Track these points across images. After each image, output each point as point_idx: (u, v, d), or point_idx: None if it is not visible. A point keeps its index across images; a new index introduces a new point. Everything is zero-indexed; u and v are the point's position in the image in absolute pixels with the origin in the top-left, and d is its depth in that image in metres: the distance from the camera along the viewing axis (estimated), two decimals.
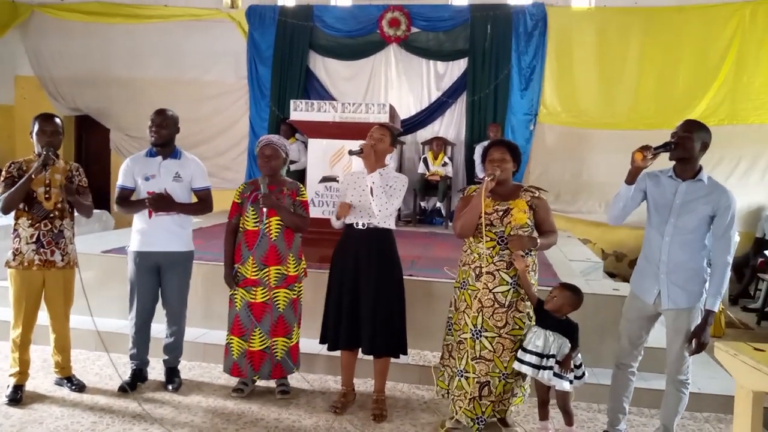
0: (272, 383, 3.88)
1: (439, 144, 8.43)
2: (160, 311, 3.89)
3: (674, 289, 3.05)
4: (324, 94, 8.98)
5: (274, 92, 9.09)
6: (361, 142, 3.52)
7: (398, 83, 8.99)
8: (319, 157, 5.95)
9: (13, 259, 3.55)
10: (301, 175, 7.21)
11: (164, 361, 3.94)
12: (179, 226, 3.80)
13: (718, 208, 2.97)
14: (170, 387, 3.85)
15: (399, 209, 5.55)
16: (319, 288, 3.75)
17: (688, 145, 2.99)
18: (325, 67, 9.16)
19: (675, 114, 7.19)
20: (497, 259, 3.19)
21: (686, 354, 3.06)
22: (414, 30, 8.82)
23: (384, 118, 5.66)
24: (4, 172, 3.54)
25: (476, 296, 3.19)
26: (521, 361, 3.12)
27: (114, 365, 3.76)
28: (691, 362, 3.11)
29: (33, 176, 3.44)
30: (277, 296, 3.67)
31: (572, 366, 3.14)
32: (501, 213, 3.20)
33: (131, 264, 3.81)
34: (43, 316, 3.69)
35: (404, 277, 3.64)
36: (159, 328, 3.94)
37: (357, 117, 5.77)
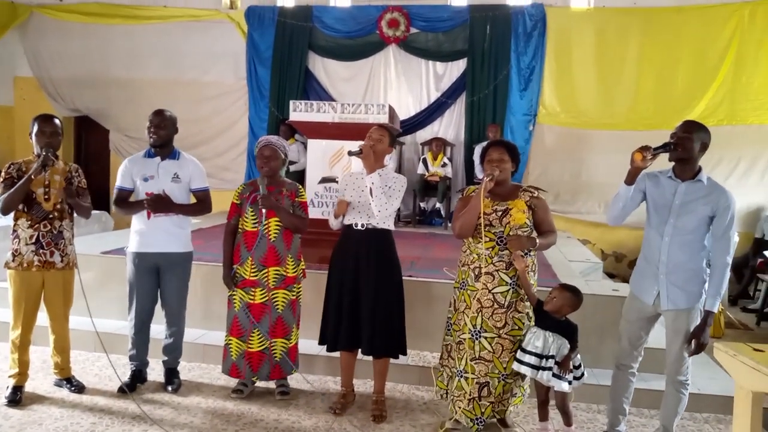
0: (272, 384, 3.88)
1: (438, 145, 8.43)
2: (159, 312, 3.89)
3: (673, 290, 3.05)
4: (323, 95, 8.98)
5: (273, 93, 9.09)
6: (361, 142, 3.52)
7: (397, 84, 8.99)
8: (319, 157, 5.95)
9: (13, 260, 3.55)
10: (300, 176, 7.20)
11: (164, 362, 3.94)
12: (178, 227, 3.80)
13: (717, 209, 2.97)
14: (170, 388, 3.85)
15: (398, 210, 5.53)
16: (318, 289, 3.75)
17: (687, 145, 2.99)
18: (324, 68, 9.16)
19: (674, 114, 7.20)
20: (496, 259, 3.18)
21: (686, 355, 3.06)
22: (413, 30, 8.82)
23: (383, 118, 5.66)
24: (3, 173, 3.54)
25: (476, 296, 3.19)
26: (520, 362, 3.12)
27: (113, 366, 3.76)
28: (690, 363, 3.11)
29: (32, 177, 3.44)
30: (276, 297, 3.66)
31: (571, 367, 3.14)
32: (500, 213, 3.20)
33: (130, 265, 3.81)
34: (43, 317, 3.69)
35: (404, 277, 3.64)
36: (158, 329, 3.94)
37: (356, 118, 5.77)
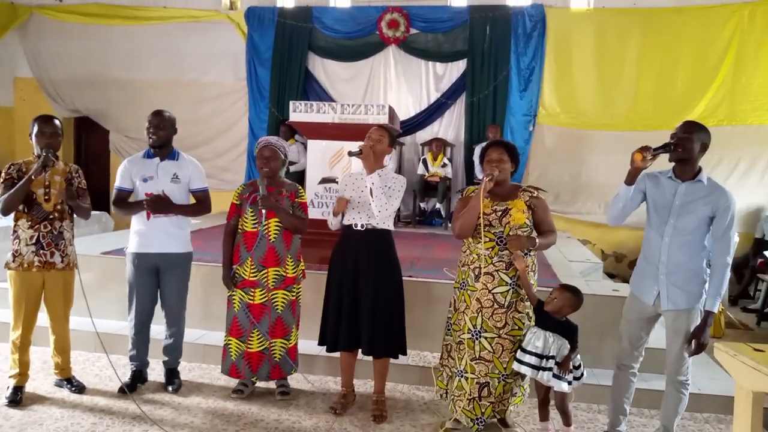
0: (272, 384, 3.88)
1: (438, 145, 8.43)
2: (159, 312, 3.89)
3: (674, 290, 3.05)
4: (323, 96, 8.98)
5: (273, 93, 9.09)
6: (361, 143, 3.52)
7: (397, 84, 8.99)
8: (319, 158, 5.95)
9: (13, 261, 3.55)
10: (300, 177, 7.20)
11: (164, 362, 3.94)
12: (177, 228, 3.80)
13: (717, 209, 2.98)
14: (170, 388, 3.85)
15: (398, 210, 5.51)
16: (318, 289, 3.75)
17: (687, 146, 2.99)
18: (324, 69, 9.16)
19: (674, 115, 7.21)
20: (496, 259, 3.18)
21: (686, 355, 3.06)
22: (413, 31, 8.82)
23: (383, 119, 5.66)
24: (3, 174, 3.54)
25: (475, 297, 3.19)
26: (520, 362, 3.12)
27: (113, 366, 3.76)
28: (690, 363, 3.11)
29: (33, 177, 3.44)
30: (276, 297, 3.66)
31: (571, 367, 3.14)
32: (499, 213, 3.20)
33: (129, 265, 3.81)
34: (43, 318, 3.69)
35: (404, 277, 3.64)
36: (158, 329, 3.94)
37: (356, 118, 5.76)
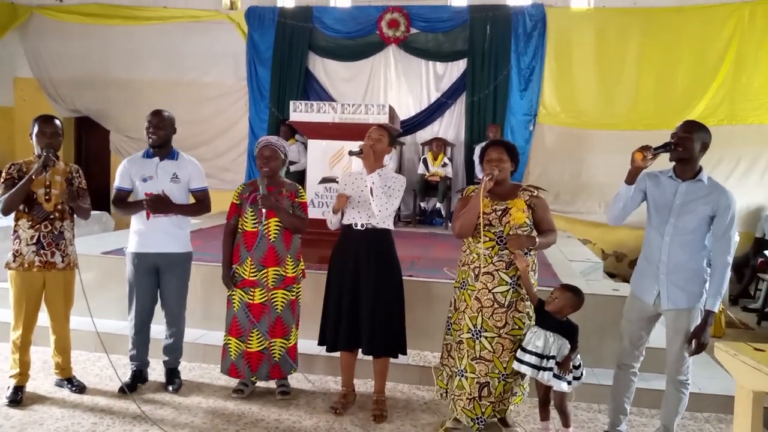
0: (272, 384, 3.88)
1: (438, 145, 8.43)
2: (159, 312, 3.89)
3: (674, 290, 3.05)
4: (323, 95, 8.98)
5: (273, 93, 9.09)
6: (361, 142, 3.52)
7: (397, 84, 8.99)
8: (319, 158, 5.96)
9: (14, 261, 3.56)
10: (300, 176, 7.21)
11: (164, 362, 3.94)
12: (177, 228, 3.80)
13: (717, 209, 2.98)
14: (170, 388, 3.85)
15: (399, 210, 5.51)
16: (318, 289, 3.75)
17: (688, 145, 2.99)
18: (324, 68, 9.16)
19: (674, 114, 7.21)
20: (496, 259, 3.18)
21: (686, 354, 3.06)
22: (413, 31, 8.82)
23: (383, 119, 5.67)
24: (4, 174, 3.54)
25: (475, 296, 3.19)
26: (521, 361, 3.12)
27: (114, 366, 3.76)
28: (691, 362, 3.11)
29: (33, 177, 3.44)
30: (275, 297, 3.66)
31: (571, 367, 3.14)
32: (499, 213, 3.19)
33: (129, 265, 3.81)
34: (44, 318, 3.69)
35: (404, 277, 3.64)
36: (158, 329, 3.94)
37: (356, 118, 5.77)
